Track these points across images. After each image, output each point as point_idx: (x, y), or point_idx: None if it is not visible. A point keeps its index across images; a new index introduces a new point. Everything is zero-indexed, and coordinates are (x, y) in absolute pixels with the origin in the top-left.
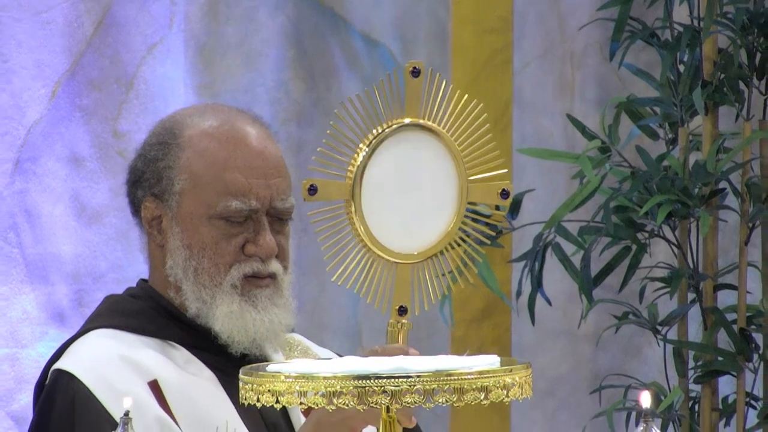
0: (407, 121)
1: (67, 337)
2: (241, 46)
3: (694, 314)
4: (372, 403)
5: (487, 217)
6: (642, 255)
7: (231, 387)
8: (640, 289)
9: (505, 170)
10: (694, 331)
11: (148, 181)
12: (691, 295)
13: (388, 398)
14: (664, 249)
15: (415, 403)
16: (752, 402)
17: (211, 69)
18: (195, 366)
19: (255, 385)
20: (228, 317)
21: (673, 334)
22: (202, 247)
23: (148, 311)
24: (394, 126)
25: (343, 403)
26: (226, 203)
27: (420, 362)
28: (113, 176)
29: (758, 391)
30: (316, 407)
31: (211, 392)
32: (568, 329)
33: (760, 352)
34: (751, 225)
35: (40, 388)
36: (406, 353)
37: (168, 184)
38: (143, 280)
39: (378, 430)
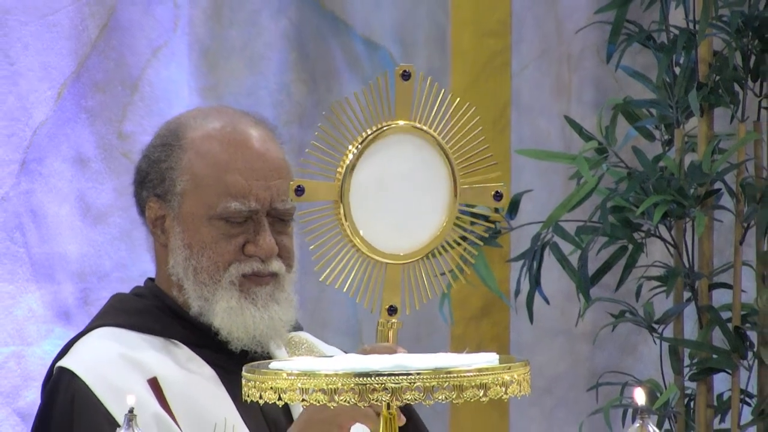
0: (399, 123)
1: (73, 335)
2: (244, 50)
3: (690, 313)
4: (373, 399)
5: (486, 219)
6: (638, 254)
7: (232, 384)
8: (636, 287)
9: (499, 172)
10: (690, 330)
11: (152, 182)
12: (686, 294)
13: (389, 395)
14: (660, 248)
15: (415, 400)
16: (747, 399)
17: (214, 72)
18: (196, 364)
19: (257, 383)
20: (227, 313)
21: (669, 332)
22: (202, 247)
23: (151, 310)
24: (385, 128)
25: (344, 400)
26: (226, 204)
27: (420, 360)
28: (118, 177)
29: (752, 389)
30: (318, 404)
31: (211, 390)
32: (565, 327)
33: (755, 349)
34: (745, 225)
35: (46, 385)
36: (395, 352)
37: (170, 185)
38: (150, 279)
39: (379, 427)
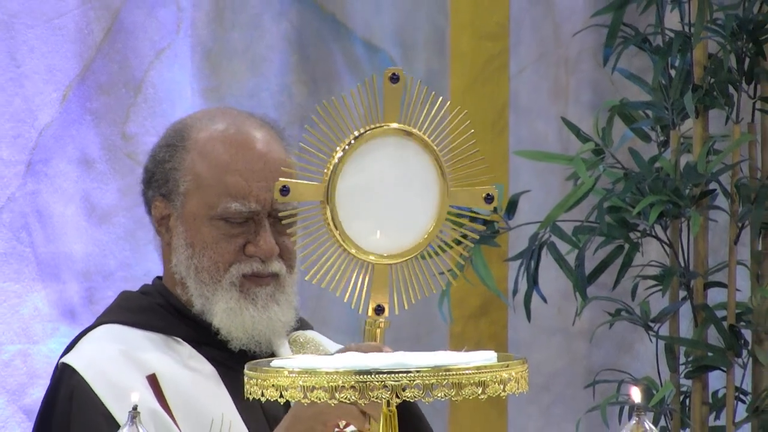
0: (388, 126)
1: (77, 333)
2: (246, 52)
3: (685, 311)
4: (373, 397)
5: (483, 222)
6: (635, 254)
7: (232, 381)
8: (632, 286)
9: (491, 175)
10: (685, 328)
11: (157, 182)
12: (682, 293)
13: (389, 393)
14: (656, 248)
15: (415, 397)
16: (741, 396)
17: (217, 73)
18: (197, 361)
19: (259, 380)
20: (226, 313)
21: (664, 330)
22: (203, 246)
23: (155, 307)
24: (372, 130)
25: (345, 398)
26: (226, 205)
27: (419, 358)
28: (122, 177)
29: (747, 386)
30: (319, 401)
31: (210, 387)
32: (562, 326)
33: (749, 347)
34: (740, 225)
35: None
36: (380, 351)
37: (174, 185)
38: (158, 278)
39: (365, 426)
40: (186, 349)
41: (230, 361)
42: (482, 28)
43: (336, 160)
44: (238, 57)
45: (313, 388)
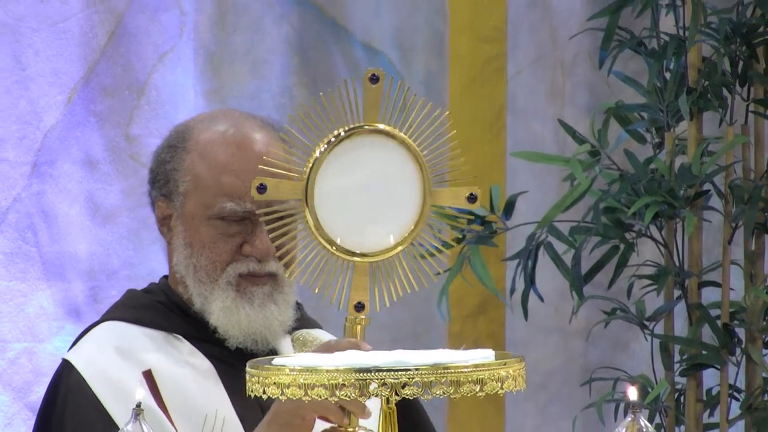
0: (372, 126)
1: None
2: (247, 55)
3: (680, 310)
4: (372, 395)
5: (481, 223)
6: (630, 254)
7: (230, 378)
8: (628, 286)
9: (475, 175)
10: (680, 326)
11: (159, 182)
12: (676, 292)
13: (388, 390)
14: (651, 248)
15: (414, 395)
16: (735, 394)
17: (219, 76)
18: (196, 358)
19: (261, 378)
20: (222, 312)
21: (659, 329)
22: (201, 246)
23: (157, 305)
24: (351, 129)
25: (345, 395)
26: (222, 204)
27: (418, 356)
28: (125, 178)
29: (741, 384)
30: (319, 399)
31: (207, 383)
32: (559, 325)
33: (743, 346)
34: (734, 225)
35: None
36: (358, 348)
37: (174, 186)
38: (165, 277)
39: (342, 420)
40: (185, 346)
41: (229, 359)
42: (480, 31)
43: (315, 159)
44: (240, 60)
45: (314, 385)
